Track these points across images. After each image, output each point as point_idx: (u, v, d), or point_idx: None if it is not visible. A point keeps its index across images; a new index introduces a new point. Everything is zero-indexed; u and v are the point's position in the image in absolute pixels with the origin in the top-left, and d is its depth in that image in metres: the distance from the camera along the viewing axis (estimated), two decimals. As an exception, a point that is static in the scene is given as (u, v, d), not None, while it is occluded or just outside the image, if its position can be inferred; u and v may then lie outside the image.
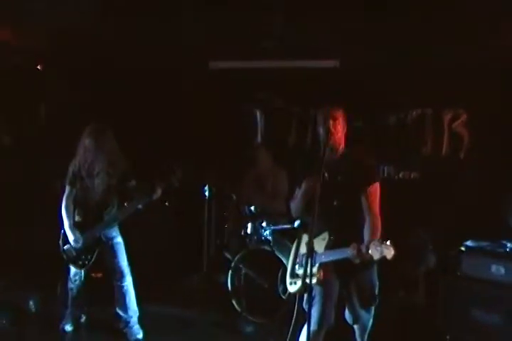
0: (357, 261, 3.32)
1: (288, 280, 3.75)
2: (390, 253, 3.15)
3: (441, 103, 5.51)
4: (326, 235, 3.52)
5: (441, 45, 5.10)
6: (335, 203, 3.53)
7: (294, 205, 3.80)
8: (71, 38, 5.46)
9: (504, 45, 4.92)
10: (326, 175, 3.45)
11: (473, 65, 5.09)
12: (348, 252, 3.34)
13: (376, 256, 3.19)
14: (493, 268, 4.27)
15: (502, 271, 4.24)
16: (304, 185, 3.68)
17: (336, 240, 3.49)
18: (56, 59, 5.72)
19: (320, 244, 3.50)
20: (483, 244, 4.50)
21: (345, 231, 3.52)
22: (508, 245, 4.40)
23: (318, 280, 3.43)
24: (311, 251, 3.28)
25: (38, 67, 5.80)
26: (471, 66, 5.11)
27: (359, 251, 3.28)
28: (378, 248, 3.18)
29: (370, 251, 3.21)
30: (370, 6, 5.03)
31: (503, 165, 5.01)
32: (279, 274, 4.63)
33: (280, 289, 4.68)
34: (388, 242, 3.16)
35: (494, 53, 4.98)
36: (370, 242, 3.28)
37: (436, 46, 5.13)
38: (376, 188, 3.56)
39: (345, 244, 3.40)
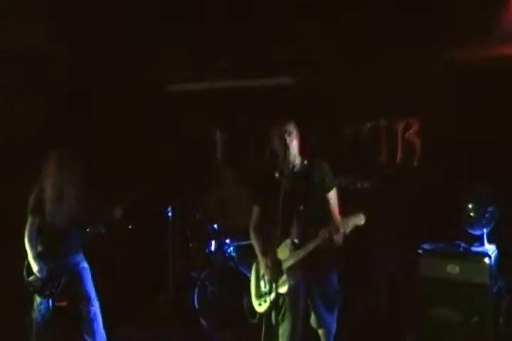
0: (328, 243, 3.57)
1: (255, 302, 3.86)
2: (360, 220, 3.52)
3: (393, 114, 5.68)
4: (287, 242, 3.68)
5: (391, 58, 5.28)
6: (296, 211, 3.69)
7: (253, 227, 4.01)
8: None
9: (453, 56, 5.10)
10: (287, 186, 3.59)
11: (423, 76, 5.26)
12: (318, 240, 3.56)
13: (349, 228, 3.51)
14: (449, 267, 4.42)
15: (457, 269, 4.39)
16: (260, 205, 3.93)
17: (299, 243, 3.67)
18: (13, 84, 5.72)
19: (283, 251, 3.66)
20: (439, 245, 4.67)
21: (307, 234, 3.67)
22: (462, 245, 4.57)
23: (289, 286, 3.59)
24: (275, 260, 3.53)
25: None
26: (421, 78, 5.28)
27: (330, 233, 3.51)
28: (348, 221, 3.52)
29: (343, 227, 3.49)
30: (323, 22, 5.18)
31: (454, 171, 5.15)
32: (245, 300, 4.65)
33: (249, 313, 4.67)
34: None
35: (442, 65, 5.16)
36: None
37: (386, 59, 5.30)
38: (334, 194, 3.81)
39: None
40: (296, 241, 3.66)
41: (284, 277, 3.61)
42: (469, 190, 4.73)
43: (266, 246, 3.84)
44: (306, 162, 3.83)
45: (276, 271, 3.52)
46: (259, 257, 3.87)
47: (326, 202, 3.76)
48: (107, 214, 4.43)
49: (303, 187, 3.72)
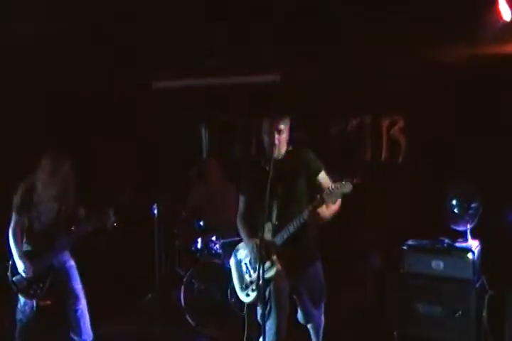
0: (315, 218, 3.53)
1: (242, 294, 3.86)
2: (347, 188, 3.40)
3: (379, 111, 5.70)
4: (269, 225, 3.69)
5: (376, 55, 5.30)
6: (276, 195, 3.68)
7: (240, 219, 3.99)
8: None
9: (436, 53, 5.14)
10: (270, 173, 3.61)
11: (407, 73, 5.30)
12: (303, 216, 3.53)
13: (337, 197, 3.44)
14: (433, 263, 4.49)
15: (441, 265, 4.46)
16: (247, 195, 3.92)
17: (280, 224, 3.68)
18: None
19: (267, 236, 3.66)
20: (423, 242, 4.72)
21: (287, 215, 3.68)
22: (446, 241, 4.63)
23: (277, 269, 3.60)
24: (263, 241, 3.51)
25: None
26: (405, 75, 5.31)
27: (314, 207, 3.47)
28: (335, 190, 3.39)
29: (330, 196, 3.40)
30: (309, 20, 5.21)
31: (438, 168, 5.20)
32: (231, 295, 4.68)
33: (236, 307, 4.70)
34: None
35: (426, 62, 5.20)
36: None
37: (371, 57, 5.32)
38: (324, 175, 3.80)
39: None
40: (276, 222, 3.67)
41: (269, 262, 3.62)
42: (453, 186, 4.77)
43: (252, 232, 3.82)
44: (290, 148, 3.84)
45: (265, 252, 3.51)
46: (246, 241, 3.85)
47: (309, 186, 3.76)
48: (97, 219, 4.38)
49: (285, 173, 3.73)
